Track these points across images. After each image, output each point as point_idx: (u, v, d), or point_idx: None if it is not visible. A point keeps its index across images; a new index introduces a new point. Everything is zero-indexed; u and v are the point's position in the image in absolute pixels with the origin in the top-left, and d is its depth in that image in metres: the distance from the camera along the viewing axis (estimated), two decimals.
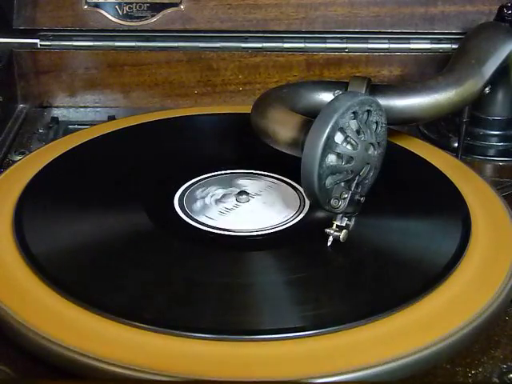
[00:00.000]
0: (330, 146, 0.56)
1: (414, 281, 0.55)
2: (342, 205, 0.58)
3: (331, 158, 0.57)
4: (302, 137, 0.58)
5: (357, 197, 0.59)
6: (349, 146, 0.58)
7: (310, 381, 0.47)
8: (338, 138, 0.57)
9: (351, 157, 0.57)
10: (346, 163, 0.57)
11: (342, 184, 0.58)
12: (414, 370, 0.49)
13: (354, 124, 0.58)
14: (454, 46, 0.86)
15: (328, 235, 0.58)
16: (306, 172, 0.56)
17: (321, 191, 0.57)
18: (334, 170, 0.57)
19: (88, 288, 0.54)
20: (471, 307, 0.53)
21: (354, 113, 0.57)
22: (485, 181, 0.69)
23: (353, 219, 0.59)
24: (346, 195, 0.58)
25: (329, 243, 0.59)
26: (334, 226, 0.59)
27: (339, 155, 0.57)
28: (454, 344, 0.50)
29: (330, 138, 0.56)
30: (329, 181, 0.57)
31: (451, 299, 0.54)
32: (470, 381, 0.51)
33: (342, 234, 0.58)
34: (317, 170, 0.56)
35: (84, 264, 0.57)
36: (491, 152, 0.81)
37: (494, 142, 0.81)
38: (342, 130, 0.57)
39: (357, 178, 0.59)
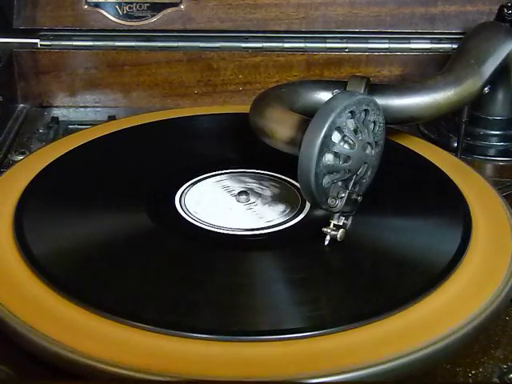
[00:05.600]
0: (327, 145, 0.56)
1: (413, 281, 0.55)
2: (339, 204, 0.58)
3: (328, 157, 0.57)
4: (300, 136, 0.58)
5: (354, 196, 0.59)
6: (346, 146, 0.58)
7: (310, 381, 0.47)
8: (336, 137, 0.57)
9: (348, 156, 0.57)
10: (344, 162, 0.57)
11: (339, 183, 0.58)
12: (414, 369, 0.49)
13: (351, 123, 0.58)
14: (454, 46, 0.86)
15: (325, 234, 0.59)
16: (303, 171, 0.56)
17: (318, 190, 0.57)
18: (331, 169, 0.57)
19: (88, 288, 0.54)
20: (471, 307, 0.53)
21: (351, 112, 0.57)
22: (485, 180, 0.69)
23: (350, 218, 0.59)
24: (343, 194, 0.58)
25: (326, 242, 0.59)
26: (332, 225, 0.59)
27: (336, 154, 0.57)
28: (454, 344, 0.50)
29: (327, 137, 0.56)
30: (326, 180, 0.57)
31: (451, 299, 0.54)
32: (470, 381, 0.51)
33: (339, 233, 0.58)
34: (314, 169, 0.56)
35: (84, 264, 0.57)
36: (491, 152, 0.81)
37: (494, 142, 0.81)
38: (340, 130, 0.57)
39: (354, 178, 0.59)
